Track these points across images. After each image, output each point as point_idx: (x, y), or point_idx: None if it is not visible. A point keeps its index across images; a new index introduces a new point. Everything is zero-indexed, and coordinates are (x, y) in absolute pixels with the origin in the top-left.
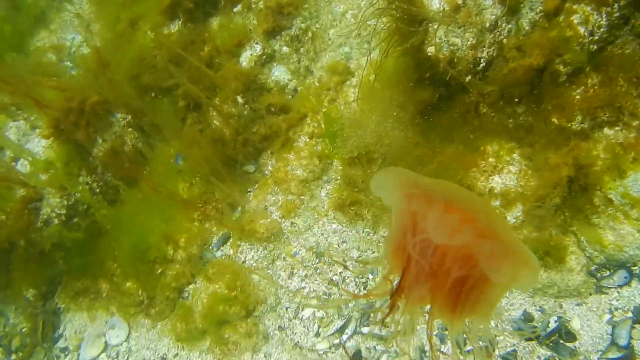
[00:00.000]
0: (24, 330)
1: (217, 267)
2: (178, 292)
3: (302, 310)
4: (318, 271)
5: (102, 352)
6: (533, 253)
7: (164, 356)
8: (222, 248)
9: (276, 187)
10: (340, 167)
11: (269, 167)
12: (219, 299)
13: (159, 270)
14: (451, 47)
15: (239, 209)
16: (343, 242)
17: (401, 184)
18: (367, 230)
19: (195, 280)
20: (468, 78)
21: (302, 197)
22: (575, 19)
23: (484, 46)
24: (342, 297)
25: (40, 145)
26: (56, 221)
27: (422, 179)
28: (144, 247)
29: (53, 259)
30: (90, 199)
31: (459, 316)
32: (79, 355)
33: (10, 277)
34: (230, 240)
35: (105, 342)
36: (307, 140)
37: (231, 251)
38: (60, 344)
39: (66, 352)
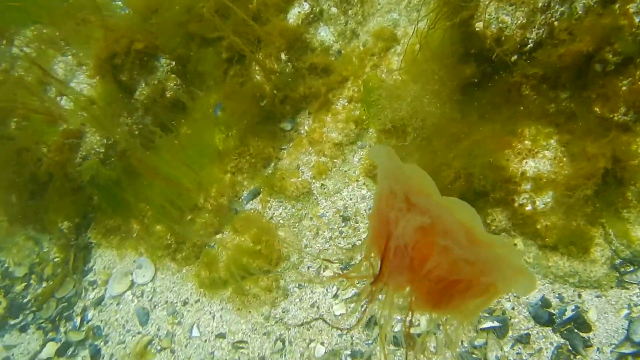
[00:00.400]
0: (56, 260)
1: (245, 220)
2: (205, 240)
3: (323, 271)
4: (343, 234)
5: (128, 289)
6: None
7: (186, 300)
8: (251, 202)
9: (310, 148)
10: (375, 135)
11: (305, 127)
12: (244, 251)
13: (189, 217)
14: (500, 25)
15: (272, 165)
16: (370, 208)
17: (388, 173)
18: None
19: (222, 230)
20: (514, 58)
21: (334, 160)
22: (632, 7)
23: (534, 27)
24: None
25: (85, 82)
26: (94, 159)
27: (407, 171)
28: (175, 193)
29: (88, 195)
30: (127, 141)
31: (438, 312)
32: (106, 290)
33: (47, 208)
34: (260, 195)
35: (132, 281)
36: (346, 103)
37: (260, 206)
38: (89, 277)
39: (94, 286)
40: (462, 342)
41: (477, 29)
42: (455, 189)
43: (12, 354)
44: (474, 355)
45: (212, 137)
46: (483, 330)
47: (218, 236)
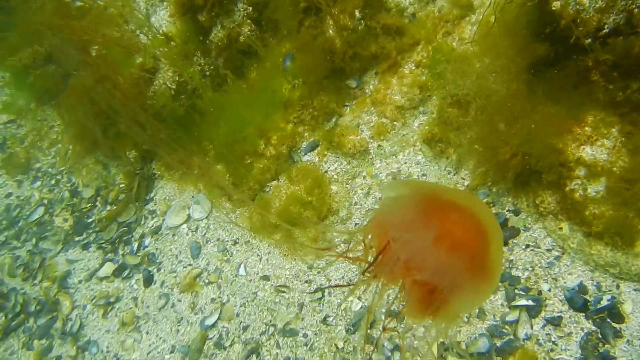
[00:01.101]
0: (121, 186)
1: (301, 170)
2: (261, 185)
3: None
4: None
5: (184, 222)
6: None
7: (237, 240)
8: (309, 154)
9: (372, 108)
10: (438, 104)
11: (370, 87)
12: (296, 201)
13: (248, 161)
14: (578, 6)
15: (334, 120)
16: (423, 175)
17: (411, 188)
18: (449, 169)
19: (278, 178)
20: (588, 41)
21: (394, 123)
22: None
23: (613, 12)
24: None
25: (164, 19)
26: (166, 94)
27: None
28: (238, 136)
29: (156, 127)
30: (199, 81)
31: (422, 313)
32: (164, 220)
33: (117, 136)
34: (318, 148)
35: (189, 215)
36: (414, 68)
37: (317, 159)
38: (150, 206)
39: (153, 215)
40: (494, 315)
41: (554, 8)
42: (511, 167)
43: (74, 269)
44: (503, 330)
45: (279, 86)
46: (516, 307)
47: (274, 183)
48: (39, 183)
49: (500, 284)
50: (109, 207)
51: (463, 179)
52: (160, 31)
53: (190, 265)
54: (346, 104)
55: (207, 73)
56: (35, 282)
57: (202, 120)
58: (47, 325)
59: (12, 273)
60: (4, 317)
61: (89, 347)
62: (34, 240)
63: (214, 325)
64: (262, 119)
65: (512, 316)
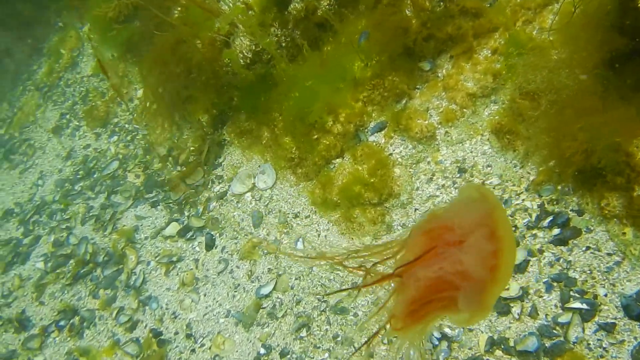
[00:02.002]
0: (192, 148)
1: (367, 150)
2: (325, 161)
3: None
4: (455, 185)
5: (248, 191)
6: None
7: (298, 213)
8: (375, 134)
9: (443, 93)
10: (510, 93)
11: (443, 71)
12: (358, 180)
13: (315, 136)
14: None
15: (403, 102)
16: (488, 165)
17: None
18: (515, 162)
19: (343, 155)
20: None
21: (464, 110)
22: None
23: None
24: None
25: None
26: (241, 62)
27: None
28: (308, 109)
29: (230, 94)
30: (274, 51)
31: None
32: (229, 187)
33: (192, 100)
34: (385, 129)
35: (254, 184)
36: (489, 54)
37: (383, 140)
38: (218, 171)
39: (220, 180)
40: (546, 315)
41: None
42: (575, 162)
43: (141, 225)
44: (554, 331)
45: (351, 64)
46: (570, 309)
47: (338, 160)
48: (115, 138)
49: (555, 284)
50: (179, 168)
51: (529, 173)
52: (239, 1)
53: (251, 233)
54: (417, 86)
55: (283, 44)
56: (105, 233)
57: (274, 91)
58: (112, 276)
59: (84, 222)
60: (74, 264)
61: (150, 302)
62: (106, 193)
63: (268, 295)
64: (332, 95)
65: (564, 318)
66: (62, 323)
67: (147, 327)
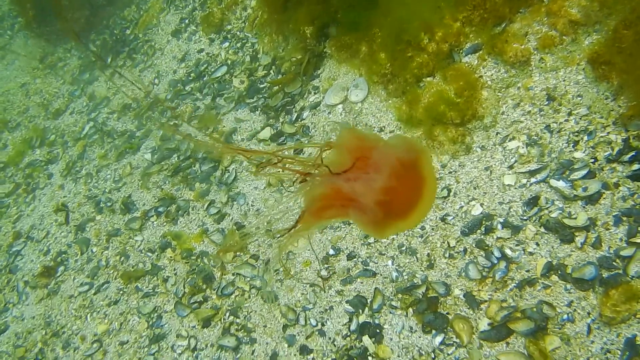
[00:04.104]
0: (294, 59)
1: (457, 71)
2: (416, 79)
3: (510, 140)
4: (542, 113)
5: (340, 103)
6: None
7: (383, 127)
8: (469, 55)
9: (545, 18)
10: (615, 23)
11: None
12: (444, 100)
13: (409, 54)
14: None
15: (503, 25)
16: (579, 95)
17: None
18: (607, 94)
19: (434, 74)
20: None
21: (564, 37)
22: None
23: None
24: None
25: None
26: None
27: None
28: (406, 26)
29: (335, 8)
30: None
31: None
32: (323, 97)
33: (298, 11)
34: (480, 51)
35: (346, 97)
36: None
37: (476, 62)
38: (315, 82)
39: (315, 91)
40: (609, 247)
41: None
42: None
43: (239, 127)
44: (614, 263)
45: None
46: (635, 244)
47: (428, 79)
48: (227, 44)
49: (625, 218)
50: (280, 77)
51: (619, 107)
52: None
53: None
54: (520, 10)
55: None
56: (206, 132)
57: (376, 7)
58: (208, 172)
59: (190, 121)
60: (177, 158)
61: (238, 198)
62: (212, 96)
63: None
64: (431, 14)
65: (627, 252)
66: (160, 209)
67: (232, 219)
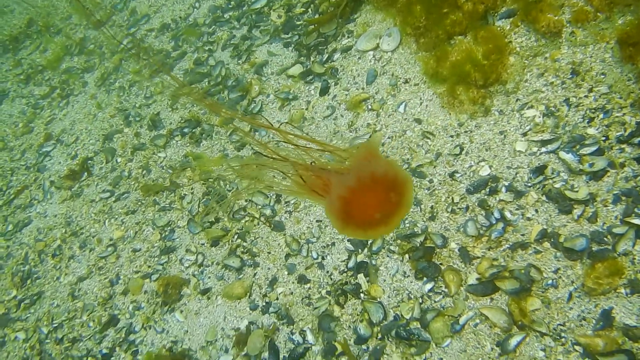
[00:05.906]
0: (332, 0)
1: (488, 33)
2: (448, 36)
3: (528, 108)
4: (564, 86)
5: (371, 49)
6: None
7: (408, 79)
8: (503, 20)
9: None
10: None
11: None
12: (471, 60)
13: (445, 10)
14: None
15: None
16: (602, 73)
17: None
18: (630, 75)
19: (466, 34)
20: None
21: (598, 13)
22: None
23: None
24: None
25: None
26: None
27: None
28: None
29: None
30: None
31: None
32: (356, 42)
33: None
34: (514, 17)
35: (378, 44)
36: None
37: (508, 27)
38: (350, 26)
39: (349, 35)
40: (604, 223)
41: None
42: None
43: (271, 60)
44: (605, 239)
45: None
46: (628, 223)
47: (460, 37)
48: None
49: (624, 198)
50: (317, 16)
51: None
52: None
53: (362, 89)
54: None
55: None
56: (239, 62)
57: None
58: (236, 100)
59: (224, 48)
60: (207, 83)
61: (260, 130)
62: (249, 26)
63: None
64: None
65: (619, 229)
66: (185, 130)
67: (252, 149)
